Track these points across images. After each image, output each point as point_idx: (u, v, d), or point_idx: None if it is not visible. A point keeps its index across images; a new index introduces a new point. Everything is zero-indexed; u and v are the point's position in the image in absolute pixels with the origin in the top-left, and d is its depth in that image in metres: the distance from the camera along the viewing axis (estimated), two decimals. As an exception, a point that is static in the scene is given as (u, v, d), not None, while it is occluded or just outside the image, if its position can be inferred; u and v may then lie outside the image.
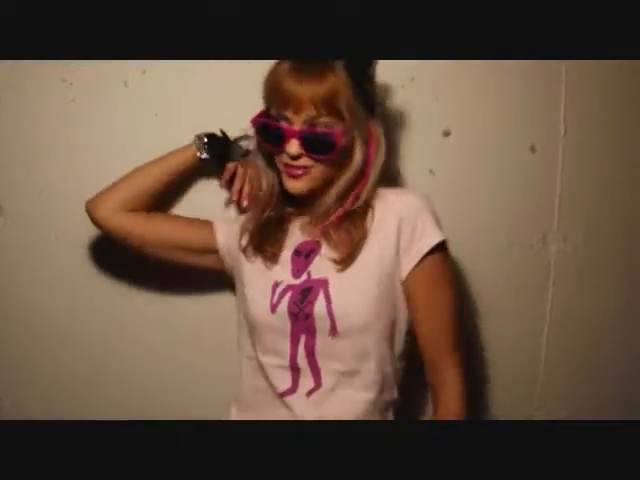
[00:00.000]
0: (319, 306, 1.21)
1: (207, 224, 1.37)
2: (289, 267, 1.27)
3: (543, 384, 1.62)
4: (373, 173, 1.25)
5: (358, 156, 1.23)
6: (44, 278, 1.48)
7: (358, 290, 1.22)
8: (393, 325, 1.25)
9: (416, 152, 1.50)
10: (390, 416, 1.30)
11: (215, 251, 1.36)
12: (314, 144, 1.20)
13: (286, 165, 1.23)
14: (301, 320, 1.22)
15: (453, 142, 1.52)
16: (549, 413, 1.62)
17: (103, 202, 1.33)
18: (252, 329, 1.29)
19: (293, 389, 1.26)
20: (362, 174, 1.24)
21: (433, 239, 1.22)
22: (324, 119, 1.19)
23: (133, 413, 1.45)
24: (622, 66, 1.55)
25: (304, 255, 1.27)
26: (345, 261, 1.22)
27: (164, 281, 1.49)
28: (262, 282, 1.27)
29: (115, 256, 1.45)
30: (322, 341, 1.23)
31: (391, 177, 1.49)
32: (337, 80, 1.18)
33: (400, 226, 1.22)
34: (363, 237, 1.23)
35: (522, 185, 1.56)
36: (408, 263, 1.22)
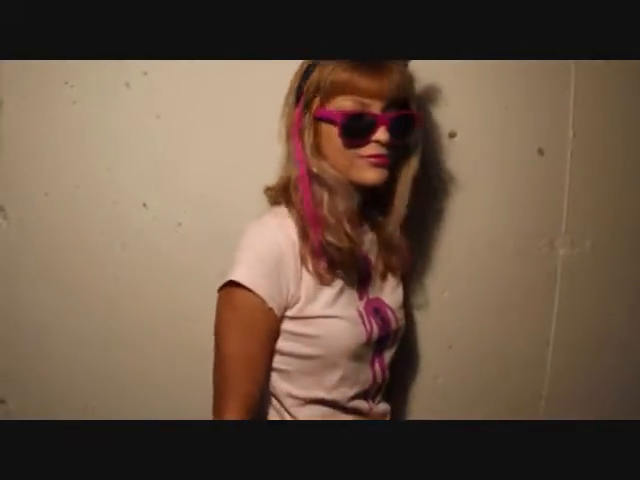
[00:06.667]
0: (393, 322, 1.26)
1: (265, 311, 1.14)
2: (356, 292, 1.22)
3: (549, 388, 1.61)
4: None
5: (417, 157, 1.24)
6: (47, 281, 1.47)
7: (398, 300, 1.30)
8: None
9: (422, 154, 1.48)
10: None
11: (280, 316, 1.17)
12: (399, 127, 1.15)
13: (372, 156, 1.14)
14: (384, 341, 1.24)
15: (459, 144, 1.50)
16: (554, 416, 1.61)
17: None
18: (322, 366, 1.17)
19: (369, 409, 1.25)
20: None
21: None
22: (400, 103, 1.16)
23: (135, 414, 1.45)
24: (632, 67, 1.53)
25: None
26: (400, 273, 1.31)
27: (170, 283, 1.47)
28: (348, 312, 1.18)
29: (119, 260, 1.45)
30: (389, 354, 1.27)
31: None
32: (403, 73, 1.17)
33: None
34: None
35: (530, 188, 1.54)
36: None
